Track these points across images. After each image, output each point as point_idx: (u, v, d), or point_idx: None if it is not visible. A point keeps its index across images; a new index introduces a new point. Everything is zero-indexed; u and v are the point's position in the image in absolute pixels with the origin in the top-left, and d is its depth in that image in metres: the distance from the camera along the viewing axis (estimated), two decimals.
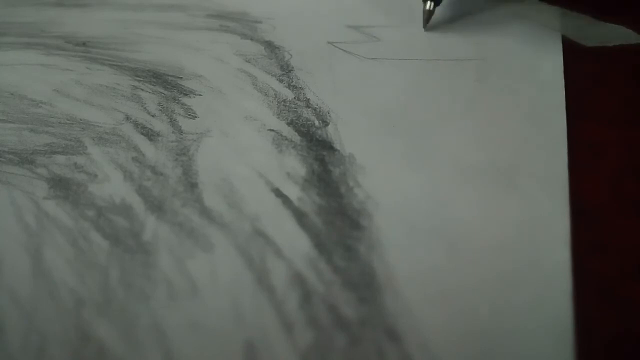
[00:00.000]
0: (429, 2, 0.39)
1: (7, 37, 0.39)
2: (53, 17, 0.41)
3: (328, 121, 0.33)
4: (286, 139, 0.32)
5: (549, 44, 0.37)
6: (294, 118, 0.34)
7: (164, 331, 0.25)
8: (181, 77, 0.36)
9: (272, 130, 0.33)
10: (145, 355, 0.25)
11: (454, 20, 0.39)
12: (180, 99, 0.35)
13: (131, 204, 0.30)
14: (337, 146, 0.32)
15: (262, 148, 0.32)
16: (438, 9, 0.39)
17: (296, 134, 0.33)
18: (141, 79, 0.36)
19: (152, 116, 0.34)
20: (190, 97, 0.35)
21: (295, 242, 0.28)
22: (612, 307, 0.26)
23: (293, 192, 0.30)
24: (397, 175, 0.31)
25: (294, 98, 0.35)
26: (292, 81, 0.36)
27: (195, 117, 0.34)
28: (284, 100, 0.35)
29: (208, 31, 0.40)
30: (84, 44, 0.39)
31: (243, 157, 0.32)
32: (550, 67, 0.36)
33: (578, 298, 0.26)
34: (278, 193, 0.30)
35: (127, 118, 0.34)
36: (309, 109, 0.34)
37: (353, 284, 0.27)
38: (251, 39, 0.39)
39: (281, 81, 0.36)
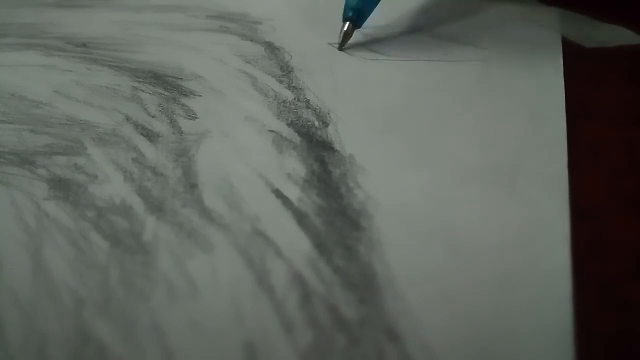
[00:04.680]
0: (347, 24, 0.37)
1: (8, 38, 0.40)
2: (53, 18, 0.41)
3: (328, 122, 0.33)
4: (286, 140, 0.32)
5: (549, 44, 0.37)
6: (294, 119, 0.34)
7: (164, 331, 0.25)
8: (181, 78, 0.36)
9: (272, 131, 0.33)
10: (145, 355, 0.25)
11: (453, 21, 0.39)
12: (180, 99, 0.35)
13: (131, 204, 0.30)
14: (337, 147, 0.32)
15: (262, 149, 0.32)
16: (438, 11, 0.39)
17: (296, 134, 0.33)
18: (141, 80, 0.36)
19: (152, 117, 0.34)
20: (190, 97, 0.35)
21: (295, 242, 0.28)
22: (612, 307, 0.26)
23: (293, 192, 0.30)
24: (398, 176, 0.31)
25: (294, 99, 0.35)
26: (292, 82, 0.36)
27: (196, 117, 0.34)
28: (284, 101, 0.35)
29: (208, 32, 0.40)
30: (84, 45, 0.39)
31: (243, 158, 0.32)
32: (550, 67, 0.36)
33: (578, 298, 0.26)
34: (278, 194, 0.30)
35: (127, 119, 0.34)
36: (309, 110, 0.34)
37: (353, 284, 0.27)
38: (251, 40, 0.39)
39: (281, 82, 0.36)
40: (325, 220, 0.29)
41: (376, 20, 0.39)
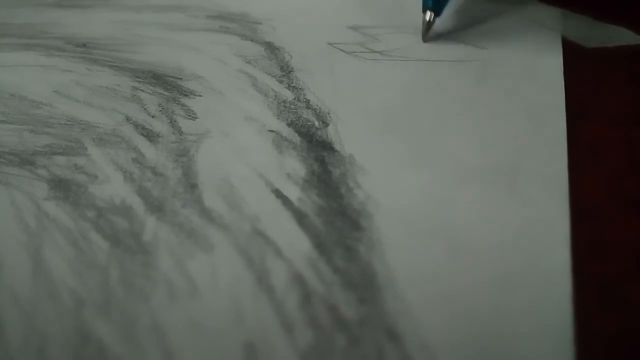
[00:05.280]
0: (428, 13, 0.37)
1: (8, 39, 0.40)
2: (53, 19, 0.41)
3: (328, 122, 0.33)
4: (286, 140, 0.32)
5: (549, 44, 0.37)
6: (294, 119, 0.34)
7: (164, 331, 0.25)
8: (181, 78, 0.36)
9: (272, 131, 0.33)
10: (145, 355, 0.25)
11: (453, 21, 0.39)
12: (180, 99, 0.35)
13: (131, 204, 0.30)
14: (337, 147, 0.32)
15: (262, 149, 0.32)
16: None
17: (296, 134, 0.33)
18: (141, 80, 0.36)
19: (152, 117, 0.34)
20: (190, 98, 0.35)
21: (295, 242, 0.28)
22: (612, 307, 0.26)
23: (293, 192, 0.30)
24: (398, 176, 0.31)
25: (294, 99, 0.35)
26: (292, 82, 0.36)
27: (196, 118, 0.34)
28: (284, 101, 0.35)
29: (208, 32, 0.40)
30: (84, 45, 0.39)
31: (243, 158, 0.32)
32: (550, 67, 0.36)
33: (578, 298, 0.26)
34: (278, 194, 0.30)
35: (127, 119, 0.34)
36: (309, 110, 0.34)
37: (353, 284, 0.27)
38: (251, 40, 0.39)
39: (281, 82, 0.36)
40: (325, 220, 0.29)
41: (377, 20, 0.39)
